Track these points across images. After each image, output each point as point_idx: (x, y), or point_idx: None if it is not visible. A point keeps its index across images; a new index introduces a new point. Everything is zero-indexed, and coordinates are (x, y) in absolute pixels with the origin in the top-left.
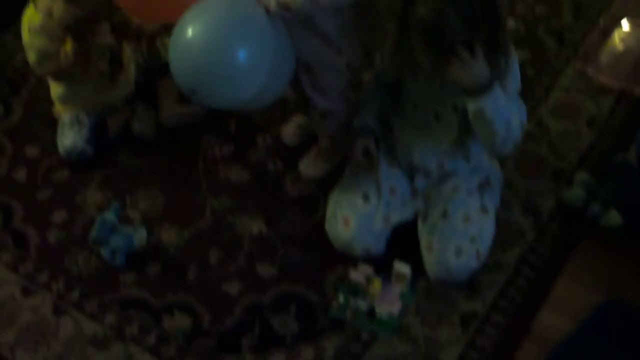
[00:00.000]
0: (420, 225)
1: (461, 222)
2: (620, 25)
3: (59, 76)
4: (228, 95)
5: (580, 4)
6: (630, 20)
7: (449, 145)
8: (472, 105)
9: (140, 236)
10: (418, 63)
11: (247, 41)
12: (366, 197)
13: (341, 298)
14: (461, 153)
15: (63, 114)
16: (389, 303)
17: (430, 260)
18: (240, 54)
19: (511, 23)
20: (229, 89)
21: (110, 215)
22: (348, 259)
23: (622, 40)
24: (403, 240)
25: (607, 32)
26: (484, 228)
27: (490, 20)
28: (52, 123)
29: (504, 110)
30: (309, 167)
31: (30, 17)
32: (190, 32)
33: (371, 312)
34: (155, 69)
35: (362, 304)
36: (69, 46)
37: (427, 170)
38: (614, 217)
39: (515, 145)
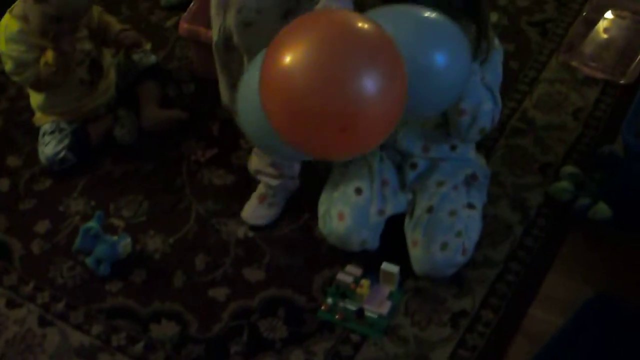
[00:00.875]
0: (406, 220)
1: (447, 216)
2: (604, 16)
3: (37, 85)
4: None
5: None
6: (613, 11)
7: (433, 127)
8: None
9: (124, 244)
10: None
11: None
12: (359, 191)
13: (330, 300)
14: (446, 140)
15: (43, 122)
16: (378, 304)
17: (415, 255)
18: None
19: (494, 16)
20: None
21: (93, 224)
22: (335, 261)
23: (606, 30)
24: (391, 241)
25: (590, 23)
26: (470, 223)
27: None
28: (33, 132)
29: (476, 89)
30: (254, 217)
31: (7, 25)
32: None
33: (360, 314)
34: (136, 74)
35: (351, 306)
36: (50, 55)
37: (413, 159)
38: (603, 210)
39: (481, 132)
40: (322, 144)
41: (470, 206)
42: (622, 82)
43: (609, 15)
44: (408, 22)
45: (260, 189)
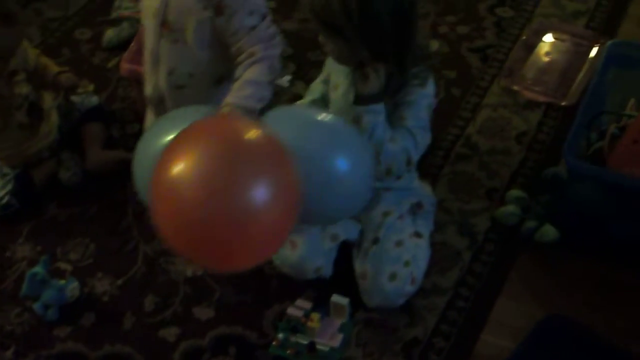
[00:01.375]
0: (354, 253)
1: (393, 247)
2: (543, 39)
3: None
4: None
5: (502, 21)
6: (553, 34)
7: None
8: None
9: (72, 288)
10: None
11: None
12: None
13: (281, 335)
14: None
15: None
16: (329, 337)
17: (365, 287)
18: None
19: (434, 44)
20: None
21: (39, 269)
22: (285, 296)
23: (546, 54)
24: (339, 273)
25: (530, 47)
26: (418, 252)
27: (400, 34)
28: None
29: (380, 130)
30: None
31: None
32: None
33: (312, 348)
34: (79, 116)
35: (303, 340)
36: None
37: None
38: (550, 232)
39: (390, 172)
40: (211, 256)
41: (417, 235)
42: (563, 104)
43: (548, 38)
44: (309, 129)
45: None
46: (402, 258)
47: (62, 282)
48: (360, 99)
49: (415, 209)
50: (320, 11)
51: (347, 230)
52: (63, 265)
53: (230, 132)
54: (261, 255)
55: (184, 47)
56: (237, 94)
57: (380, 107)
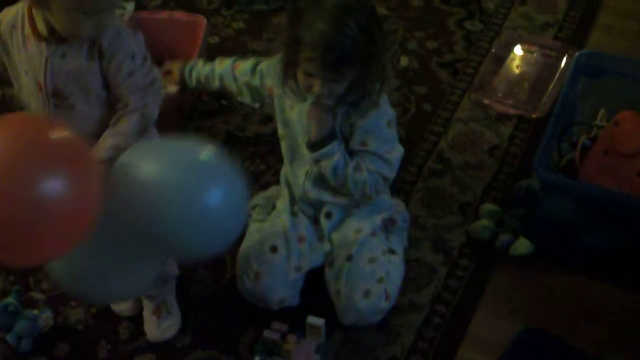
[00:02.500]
0: (327, 271)
1: (367, 263)
2: (512, 51)
3: None
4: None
5: (471, 35)
6: (521, 46)
7: None
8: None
9: (45, 317)
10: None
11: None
12: (274, 249)
13: (258, 358)
14: None
15: None
16: (306, 358)
17: (339, 305)
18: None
19: (404, 60)
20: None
21: (11, 300)
22: (261, 319)
23: (516, 66)
24: (313, 293)
25: (500, 60)
26: (392, 268)
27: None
28: None
29: (340, 167)
30: (162, 333)
31: None
32: None
33: None
34: None
35: None
36: None
37: (326, 208)
38: (524, 245)
39: (366, 195)
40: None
41: (391, 251)
42: (534, 116)
43: (517, 51)
44: (179, 162)
45: (148, 304)
46: (375, 275)
47: (35, 312)
48: (314, 145)
49: (388, 225)
50: (348, 45)
51: (311, 260)
52: (36, 295)
53: (30, 125)
54: (55, 251)
55: (81, 110)
56: (97, 146)
57: (334, 146)
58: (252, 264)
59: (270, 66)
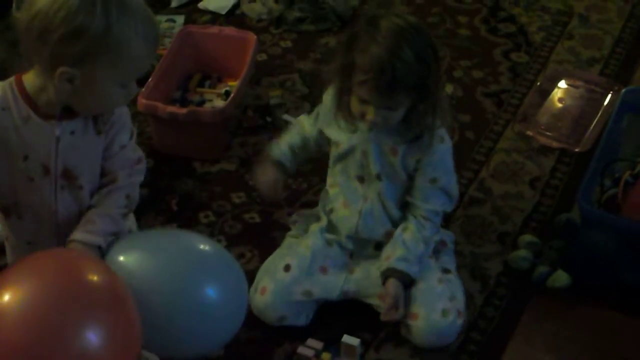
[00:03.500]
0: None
1: (437, 284)
2: (557, 85)
3: None
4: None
5: (517, 67)
6: (567, 81)
7: (399, 211)
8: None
9: None
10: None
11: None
12: (287, 268)
13: None
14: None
15: None
16: None
17: (418, 327)
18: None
19: (449, 88)
20: None
21: None
22: (296, 335)
23: (560, 100)
24: (352, 313)
25: (545, 93)
26: (454, 287)
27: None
28: None
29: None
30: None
31: None
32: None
33: None
34: None
35: None
36: None
37: (377, 242)
38: (562, 278)
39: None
40: None
41: (446, 271)
42: (577, 150)
43: (562, 84)
44: (177, 256)
45: None
46: (447, 293)
47: None
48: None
49: (439, 247)
50: (402, 70)
51: (326, 291)
52: None
53: (67, 270)
54: None
55: (88, 190)
56: (85, 227)
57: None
58: (263, 278)
59: (324, 106)
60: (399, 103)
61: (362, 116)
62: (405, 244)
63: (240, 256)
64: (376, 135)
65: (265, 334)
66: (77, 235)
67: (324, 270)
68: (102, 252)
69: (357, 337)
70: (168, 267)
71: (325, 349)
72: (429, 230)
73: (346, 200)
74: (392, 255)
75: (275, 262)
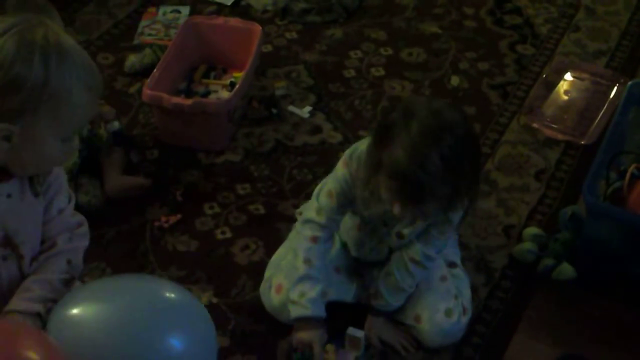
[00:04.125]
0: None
1: (440, 283)
2: (563, 77)
3: None
4: None
5: (522, 59)
6: (572, 73)
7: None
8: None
9: None
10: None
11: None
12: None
13: None
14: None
15: None
16: None
17: (423, 330)
18: None
19: (455, 80)
20: None
21: None
22: None
23: (566, 92)
24: (356, 306)
25: (550, 85)
26: (459, 282)
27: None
28: None
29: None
30: None
31: None
32: None
33: None
34: (98, 147)
35: None
36: None
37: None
38: (567, 271)
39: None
40: None
41: (452, 264)
42: (583, 142)
43: (568, 77)
44: (136, 305)
45: None
46: (451, 292)
47: None
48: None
49: None
50: (429, 183)
51: (339, 291)
52: None
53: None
54: None
55: (28, 259)
56: (22, 295)
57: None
58: (278, 275)
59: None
60: (427, 212)
61: (391, 206)
62: (386, 296)
63: (245, 247)
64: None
65: (270, 326)
66: (14, 304)
67: (337, 270)
68: (43, 320)
69: (362, 329)
70: (126, 316)
71: (329, 340)
72: (413, 277)
73: (362, 225)
74: (374, 298)
75: (287, 258)
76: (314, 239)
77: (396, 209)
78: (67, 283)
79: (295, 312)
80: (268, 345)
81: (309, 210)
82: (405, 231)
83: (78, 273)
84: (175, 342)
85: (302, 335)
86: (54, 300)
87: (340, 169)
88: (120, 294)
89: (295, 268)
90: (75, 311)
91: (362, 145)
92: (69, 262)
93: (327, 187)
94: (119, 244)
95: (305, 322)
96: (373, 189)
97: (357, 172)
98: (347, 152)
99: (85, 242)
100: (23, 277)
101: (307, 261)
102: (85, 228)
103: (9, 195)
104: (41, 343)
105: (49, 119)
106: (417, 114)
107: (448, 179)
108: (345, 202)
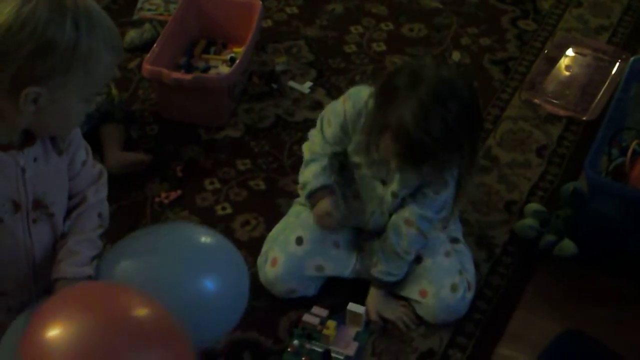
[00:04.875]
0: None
1: (444, 258)
2: (565, 53)
3: None
4: None
5: (524, 34)
6: (574, 48)
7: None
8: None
9: None
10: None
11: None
12: (300, 241)
13: (296, 342)
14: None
15: None
16: (344, 345)
17: (428, 305)
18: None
19: (456, 55)
20: None
21: None
22: (301, 303)
23: (568, 68)
24: (356, 282)
25: (552, 61)
26: (463, 258)
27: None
28: None
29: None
30: None
31: None
32: None
33: (327, 356)
34: (98, 117)
35: (318, 347)
36: None
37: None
38: (568, 247)
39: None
40: None
41: (454, 240)
42: (584, 118)
43: (570, 52)
44: (179, 250)
45: None
46: (455, 267)
47: None
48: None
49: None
50: (431, 146)
51: (336, 267)
52: None
53: (113, 305)
54: None
55: (59, 217)
56: (71, 260)
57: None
58: (274, 248)
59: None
60: (424, 172)
61: (388, 163)
62: (383, 262)
63: (245, 223)
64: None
65: (270, 302)
66: (66, 270)
67: (336, 245)
68: (92, 278)
69: (363, 305)
70: (162, 263)
71: (330, 316)
72: (407, 241)
73: (360, 193)
74: (374, 266)
75: (285, 232)
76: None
77: (393, 165)
78: (102, 237)
79: (304, 192)
80: (269, 321)
81: (312, 144)
82: (397, 189)
83: (107, 222)
84: (208, 282)
85: (319, 207)
86: (98, 256)
87: (339, 105)
88: (159, 246)
89: (288, 242)
90: (122, 267)
91: (363, 92)
92: (99, 215)
93: (326, 118)
94: (119, 219)
95: (316, 196)
96: (371, 143)
97: (354, 122)
98: (350, 92)
99: (106, 192)
100: (56, 236)
101: (299, 240)
102: (105, 177)
103: (35, 159)
104: (151, 304)
105: (77, 80)
106: (426, 79)
107: (449, 146)
108: (343, 134)
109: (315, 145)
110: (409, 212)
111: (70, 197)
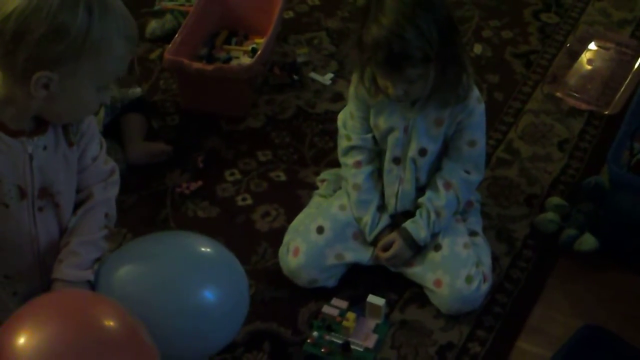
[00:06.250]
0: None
1: (463, 249)
2: (587, 47)
3: None
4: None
5: (546, 27)
6: (597, 42)
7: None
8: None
9: None
10: (381, 91)
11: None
12: (320, 230)
13: (315, 333)
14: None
15: None
16: (364, 337)
17: (443, 295)
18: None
19: (478, 48)
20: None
21: None
22: (321, 294)
23: (590, 61)
24: (376, 273)
25: (574, 55)
26: (480, 251)
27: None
28: None
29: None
30: None
31: None
32: None
33: (346, 347)
34: (120, 107)
35: (337, 339)
36: None
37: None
38: (589, 241)
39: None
40: None
41: (473, 233)
42: (606, 112)
43: (592, 46)
44: (177, 258)
45: None
46: (472, 259)
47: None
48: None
49: (466, 207)
50: (404, 47)
51: (356, 255)
52: None
53: (85, 314)
54: None
55: (65, 208)
56: (70, 261)
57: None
58: (296, 238)
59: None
60: (410, 77)
61: (386, 90)
62: (418, 211)
63: (265, 214)
64: (420, 109)
65: (290, 293)
66: (65, 273)
67: (356, 236)
68: (91, 284)
69: (382, 297)
70: (167, 274)
71: (350, 308)
72: (445, 200)
73: (385, 173)
74: (405, 218)
75: (305, 222)
76: (357, 164)
77: (390, 90)
78: (107, 238)
79: (365, 230)
80: (288, 312)
81: (342, 141)
82: (426, 145)
83: (113, 223)
84: (207, 292)
85: (389, 253)
86: (98, 259)
87: (350, 90)
88: (159, 254)
89: (309, 231)
90: (121, 272)
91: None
92: (106, 215)
93: (347, 111)
94: (139, 209)
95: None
96: (365, 84)
97: (361, 92)
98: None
99: (117, 190)
100: (61, 228)
101: (355, 186)
102: (117, 175)
103: (44, 148)
104: (115, 309)
105: (88, 68)
106: None
107: (421, 45)
108: (365, 113)
109: (347, 141)
110: (449, 172)
111: (77, 192)
